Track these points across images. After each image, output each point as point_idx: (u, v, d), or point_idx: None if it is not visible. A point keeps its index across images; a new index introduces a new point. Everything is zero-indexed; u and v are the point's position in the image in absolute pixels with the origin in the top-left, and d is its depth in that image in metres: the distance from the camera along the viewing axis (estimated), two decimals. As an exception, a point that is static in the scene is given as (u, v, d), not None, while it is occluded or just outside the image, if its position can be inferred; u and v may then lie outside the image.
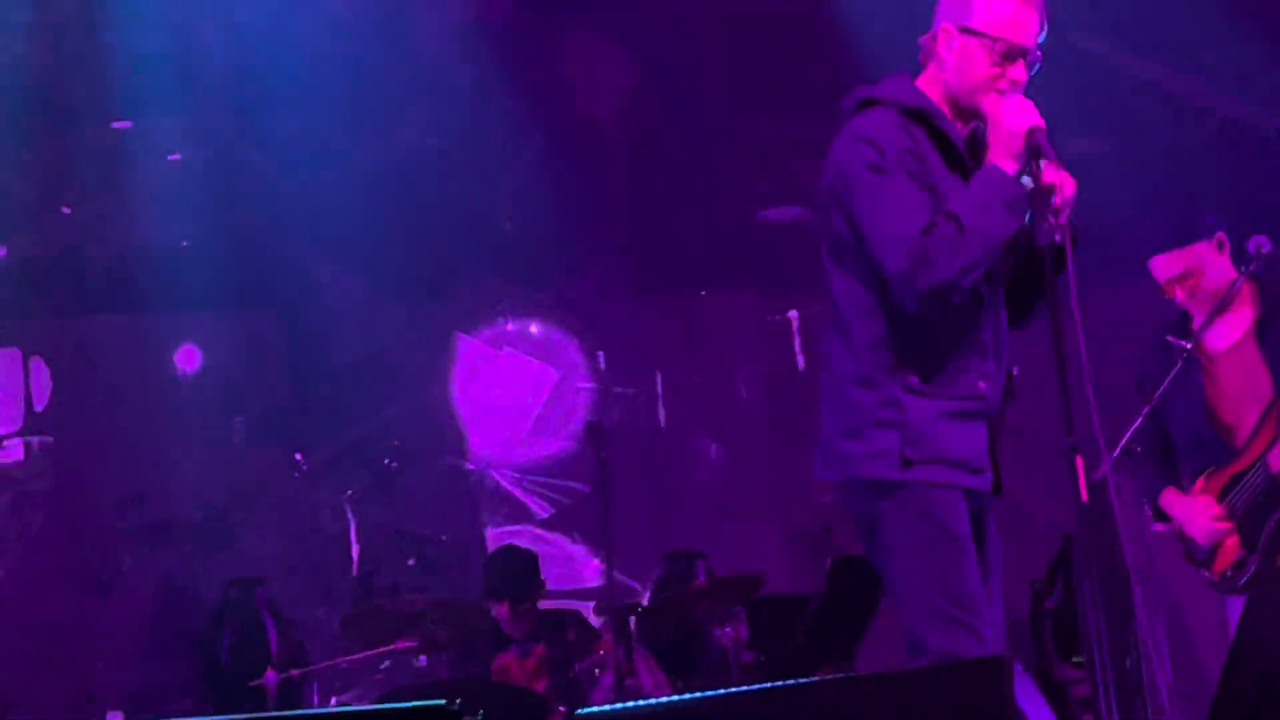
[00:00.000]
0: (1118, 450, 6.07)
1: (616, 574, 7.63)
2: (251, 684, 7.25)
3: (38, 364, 10.61)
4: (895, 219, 4.30)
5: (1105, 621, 4.26)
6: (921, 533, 4.36)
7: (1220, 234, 6.25)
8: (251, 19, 9.47)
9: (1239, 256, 6.35)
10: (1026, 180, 4.32)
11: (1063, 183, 4.24)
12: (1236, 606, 5.99)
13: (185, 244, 10.42)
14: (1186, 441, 6.31)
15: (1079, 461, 4.16)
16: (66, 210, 10.29)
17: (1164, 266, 6.28)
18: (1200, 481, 6.25)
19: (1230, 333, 6.27)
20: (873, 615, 8.03)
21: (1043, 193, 4.23)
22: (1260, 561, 6.05)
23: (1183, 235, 6.27)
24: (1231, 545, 6.14)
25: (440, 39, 9.91)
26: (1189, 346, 6.36)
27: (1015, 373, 4.47)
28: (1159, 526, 6.73)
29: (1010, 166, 4.32)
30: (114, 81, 9.43)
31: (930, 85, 4.54)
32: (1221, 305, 6.20)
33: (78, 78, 9.53)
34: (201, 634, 8.79)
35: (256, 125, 9.88)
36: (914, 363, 4.38)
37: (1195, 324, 6.27)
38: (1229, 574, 6.15)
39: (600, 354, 11.50)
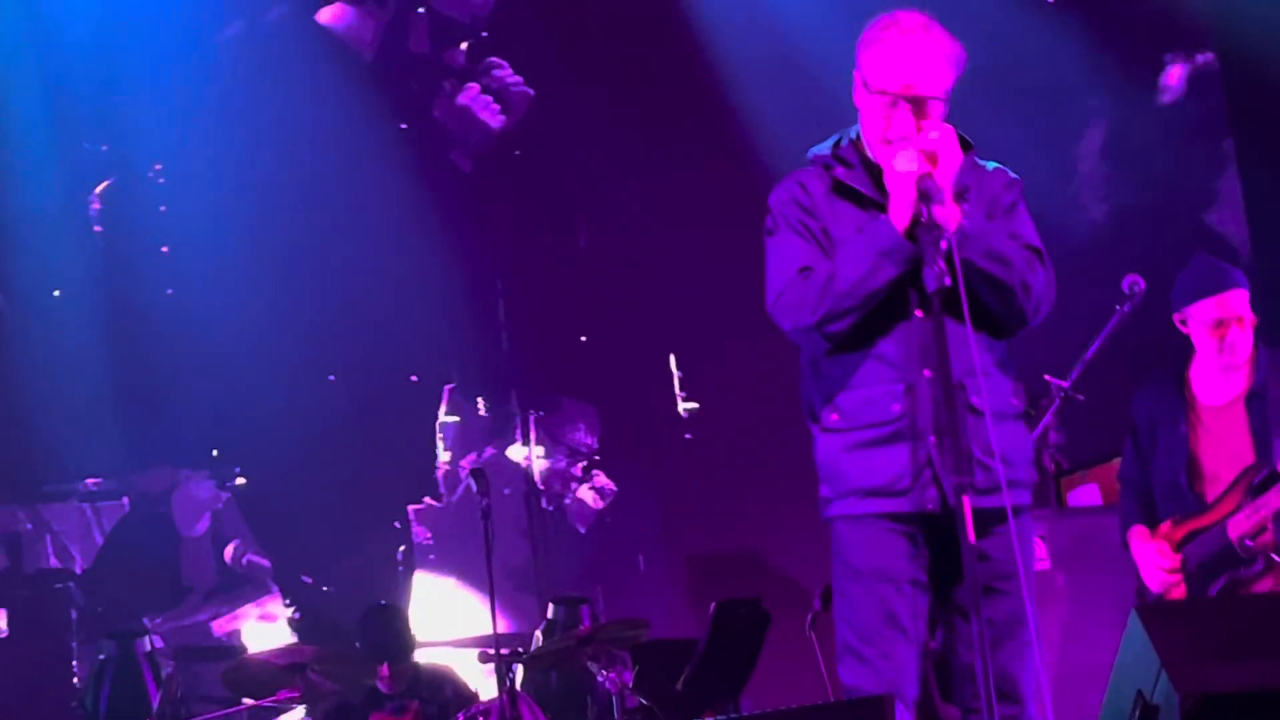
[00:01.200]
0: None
1: (501, 619, 7.59)
2: (130, 738, 7.13)
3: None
4: (772, 270, 4.56)
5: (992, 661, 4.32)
6: (835, 570, 4.58)
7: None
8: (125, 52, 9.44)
9: (1115, 295, 6.45)
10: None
11: (948, 224, 4.31)
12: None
13: (57, 294, 10.30)
14: (1162, 486, 6.34)
15: (966, 501, 4.21)
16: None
17: (1201, 312, 6.26)
18: (1166, 525, 6.29)
19: (1225, 392, 6.31)
20: (757, 658, 8.04)
21: (931, 238, 4.29)
22: None
23: (1217, 281, 6.27)
24: (1178, 596, 6.18)
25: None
26: (1066, 386, 6.45)
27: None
28: (1043, 565, 6.78)
29: (903, 215, 4.38)
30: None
31: None
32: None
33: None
34: (81, 687, 8.63)
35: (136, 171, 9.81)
36: (835, 402, 4.51)
37: (1192, 372, 6.31)
38: None
39: (479, 399, 11.46)
